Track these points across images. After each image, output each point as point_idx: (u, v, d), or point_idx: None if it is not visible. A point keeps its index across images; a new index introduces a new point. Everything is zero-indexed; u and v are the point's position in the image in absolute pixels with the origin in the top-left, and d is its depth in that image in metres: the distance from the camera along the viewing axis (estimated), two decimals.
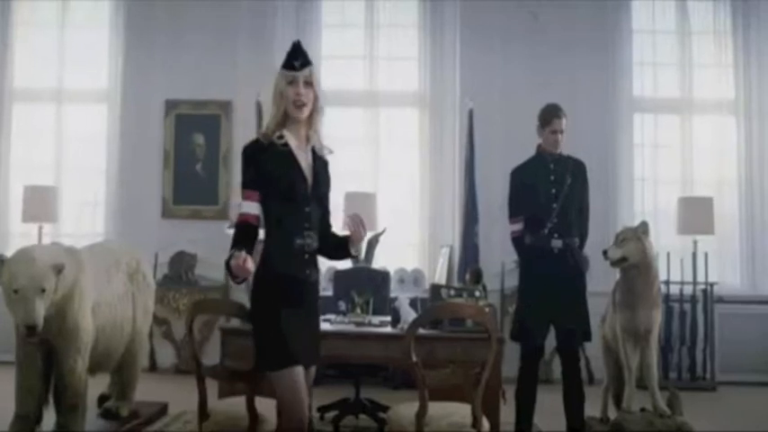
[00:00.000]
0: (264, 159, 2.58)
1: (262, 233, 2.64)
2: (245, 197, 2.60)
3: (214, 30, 6.65)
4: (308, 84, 2.60)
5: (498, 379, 3.47)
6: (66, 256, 3.52)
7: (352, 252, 2.72)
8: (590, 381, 5.69)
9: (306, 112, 2.61)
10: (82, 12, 6.83)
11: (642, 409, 4.14)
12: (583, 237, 4.04)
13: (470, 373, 2.81)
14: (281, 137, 2.60)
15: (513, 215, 4.05)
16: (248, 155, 2.62)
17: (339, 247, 2.73)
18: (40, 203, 6.17)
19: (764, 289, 6.55)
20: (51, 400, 3.69)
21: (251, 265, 2.40)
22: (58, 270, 3.36)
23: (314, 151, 2.68)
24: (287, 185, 2.57)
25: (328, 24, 6.79)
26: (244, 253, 2.39)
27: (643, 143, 6.76)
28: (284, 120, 2.63)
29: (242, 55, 6.61)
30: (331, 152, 2.75)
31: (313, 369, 2.71)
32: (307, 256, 2.60)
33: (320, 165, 2.70)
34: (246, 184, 2.60)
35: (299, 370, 2.52)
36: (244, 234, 2.56)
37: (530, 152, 4.12)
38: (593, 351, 5.19)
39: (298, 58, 2.62)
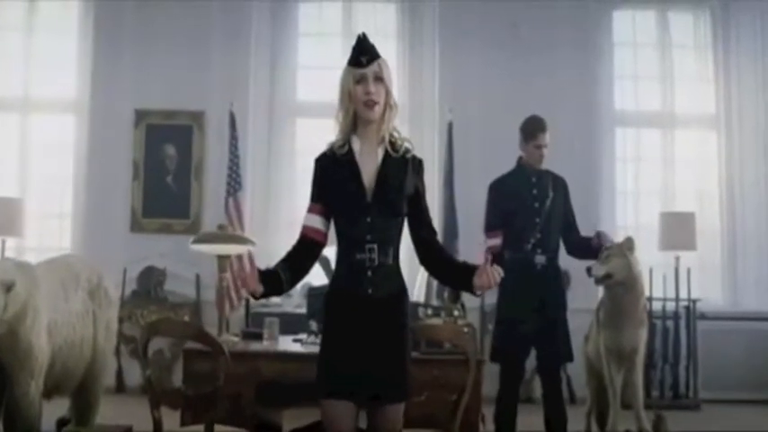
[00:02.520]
0: (325, 170, 2.43)
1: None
2: (307, 209, 2.47)
3: (186, 39, 6.43)
4: (379, 79, 2.38)
5: (478, 403, 3.28)
6: (18, 273, 3.30)
7: (476, 293, 2.41)
8: (572, 400, 5.55)
9: (378, 111, 2.38)
10: (49, 17, 6.58)
11: None
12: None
13: (448, 400, 2.64)
14: (343, 146, 2.41)
15: (490, 229, 3.89)
16: (314, 166, 2.48)
17: (455, 276, 2.47)
18: (3, 216, 5.91)
19: (747, 305, 6.46)
20: (2, 425, 3.46)
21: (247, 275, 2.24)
22: (8, 287, 3.15)
23: (388, 152, 2.42)
24: (339, 195, 2.39)
25: (305, 33, 6.64)
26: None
27: (625, 157, 6.68)
28: (354, 123, 2.41)
29: (215, 65, 6.40)
30: (411, 147, 2.49)
31: (393, 409, 2.34)
32: (369, 272, 2.35)
33: (395, 165, 2.41)
34: (311, 196, 2.47)
35: (340, 403, 2.30)
36: (294, 248, 2.43)
37: (510, 165, 4.00)
38: (575, 370, 5.06)
39: (364, 53, 2.40)
